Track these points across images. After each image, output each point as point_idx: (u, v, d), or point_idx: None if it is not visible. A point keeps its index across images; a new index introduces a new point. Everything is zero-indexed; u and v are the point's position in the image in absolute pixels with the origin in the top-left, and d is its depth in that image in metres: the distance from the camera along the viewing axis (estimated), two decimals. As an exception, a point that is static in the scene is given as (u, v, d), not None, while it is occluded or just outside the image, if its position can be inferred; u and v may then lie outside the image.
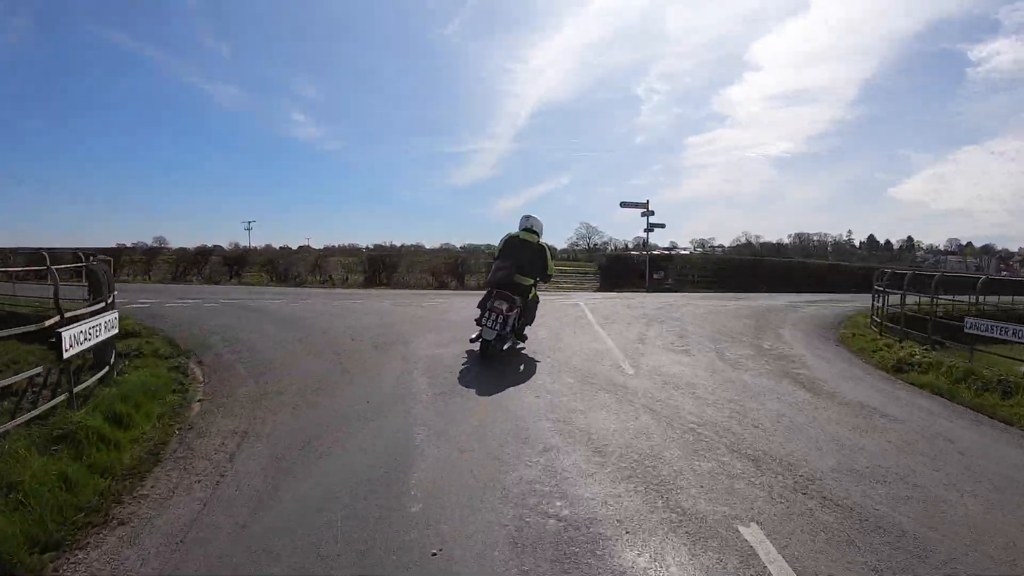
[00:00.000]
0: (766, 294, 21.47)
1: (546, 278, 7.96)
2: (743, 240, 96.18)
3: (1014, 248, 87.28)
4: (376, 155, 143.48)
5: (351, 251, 44.71)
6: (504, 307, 7.07)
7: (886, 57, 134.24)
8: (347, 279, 25.91)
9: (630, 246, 72.47)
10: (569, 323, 10.58)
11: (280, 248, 42.14)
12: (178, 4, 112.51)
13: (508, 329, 7.20)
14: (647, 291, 21.36)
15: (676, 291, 21.70)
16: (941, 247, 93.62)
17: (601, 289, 22.24)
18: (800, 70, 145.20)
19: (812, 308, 15.64)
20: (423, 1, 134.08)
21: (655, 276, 22.71)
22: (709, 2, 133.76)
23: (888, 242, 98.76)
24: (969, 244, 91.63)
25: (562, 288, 23.81)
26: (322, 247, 48.87)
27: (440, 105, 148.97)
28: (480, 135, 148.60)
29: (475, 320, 7.45)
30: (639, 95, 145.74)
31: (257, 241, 72.88)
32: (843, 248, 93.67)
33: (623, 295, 18.85)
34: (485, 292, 7.60)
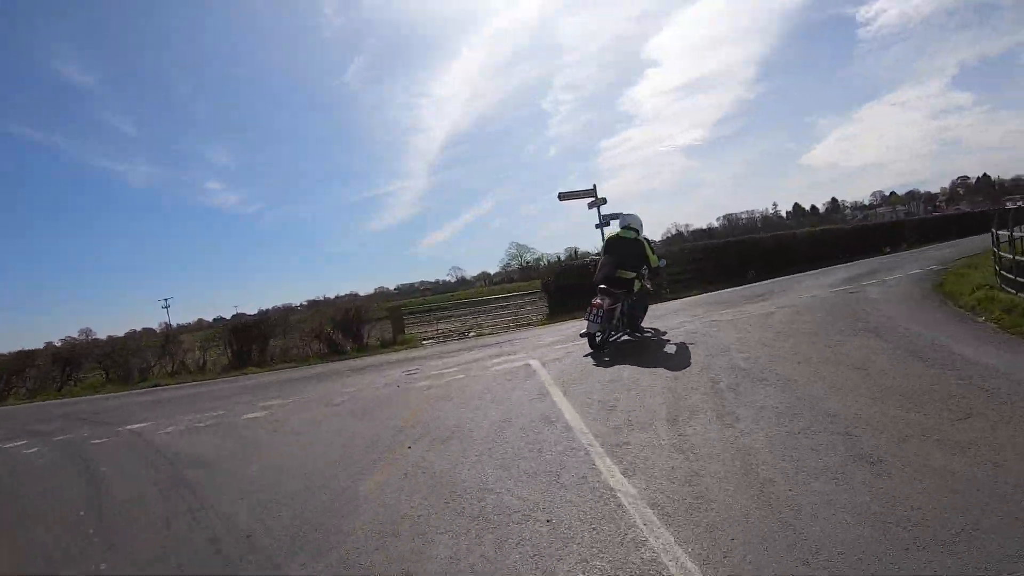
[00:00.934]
0: (768, 281, 16.37)
1: (652, 270, 8.43)
2: (673, 231, 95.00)
3: (935, 190, 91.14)
4: (295, 211, 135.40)
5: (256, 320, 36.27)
6: (606, 302, 7.50)
7: (779, 32, 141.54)
8: (204, 363, 18.48)
9: (562, 258, 67.86)
10: (522, 463, 4.27)
11: (124, 335, 32.78)
12: (75, 87, 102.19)
13: (613, 322, 7.73)
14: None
15: (653, 300, 16.06)
16: (866, 202, 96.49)
17: (552, 317, 15.97)
18: (698, 59, 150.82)
19: (878, 289, 10.93)
20: (319, 53, 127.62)
21: (621, 285, 16.82)
22: (599, 8, 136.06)
23: (814, 207, 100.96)
24: (893, 193, 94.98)
25: (498, 327, 17.44)
26: (171, 324, 40.38)
27: (352, 152, 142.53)
28: (395, 175, 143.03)
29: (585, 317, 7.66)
30: (546, 109, 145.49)
31: (182, 318, 63.71)
32: (772, 220, 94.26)
33: (589, 322, 12.82)
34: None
